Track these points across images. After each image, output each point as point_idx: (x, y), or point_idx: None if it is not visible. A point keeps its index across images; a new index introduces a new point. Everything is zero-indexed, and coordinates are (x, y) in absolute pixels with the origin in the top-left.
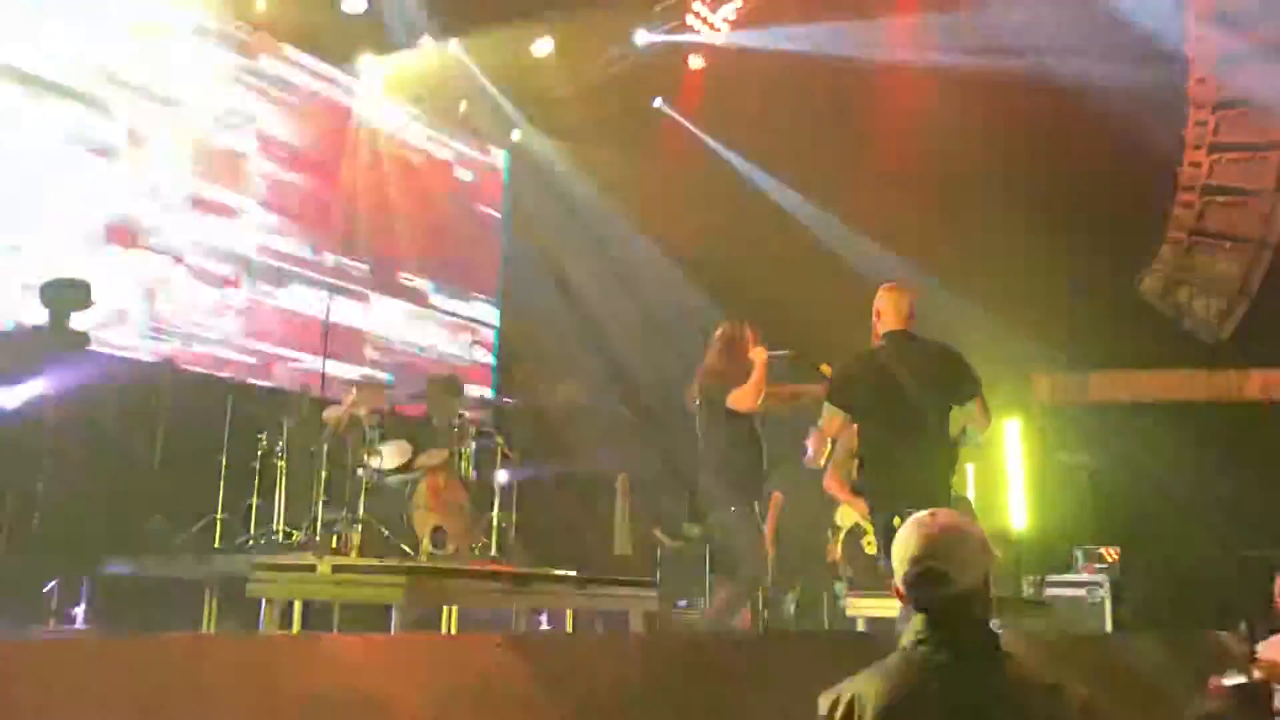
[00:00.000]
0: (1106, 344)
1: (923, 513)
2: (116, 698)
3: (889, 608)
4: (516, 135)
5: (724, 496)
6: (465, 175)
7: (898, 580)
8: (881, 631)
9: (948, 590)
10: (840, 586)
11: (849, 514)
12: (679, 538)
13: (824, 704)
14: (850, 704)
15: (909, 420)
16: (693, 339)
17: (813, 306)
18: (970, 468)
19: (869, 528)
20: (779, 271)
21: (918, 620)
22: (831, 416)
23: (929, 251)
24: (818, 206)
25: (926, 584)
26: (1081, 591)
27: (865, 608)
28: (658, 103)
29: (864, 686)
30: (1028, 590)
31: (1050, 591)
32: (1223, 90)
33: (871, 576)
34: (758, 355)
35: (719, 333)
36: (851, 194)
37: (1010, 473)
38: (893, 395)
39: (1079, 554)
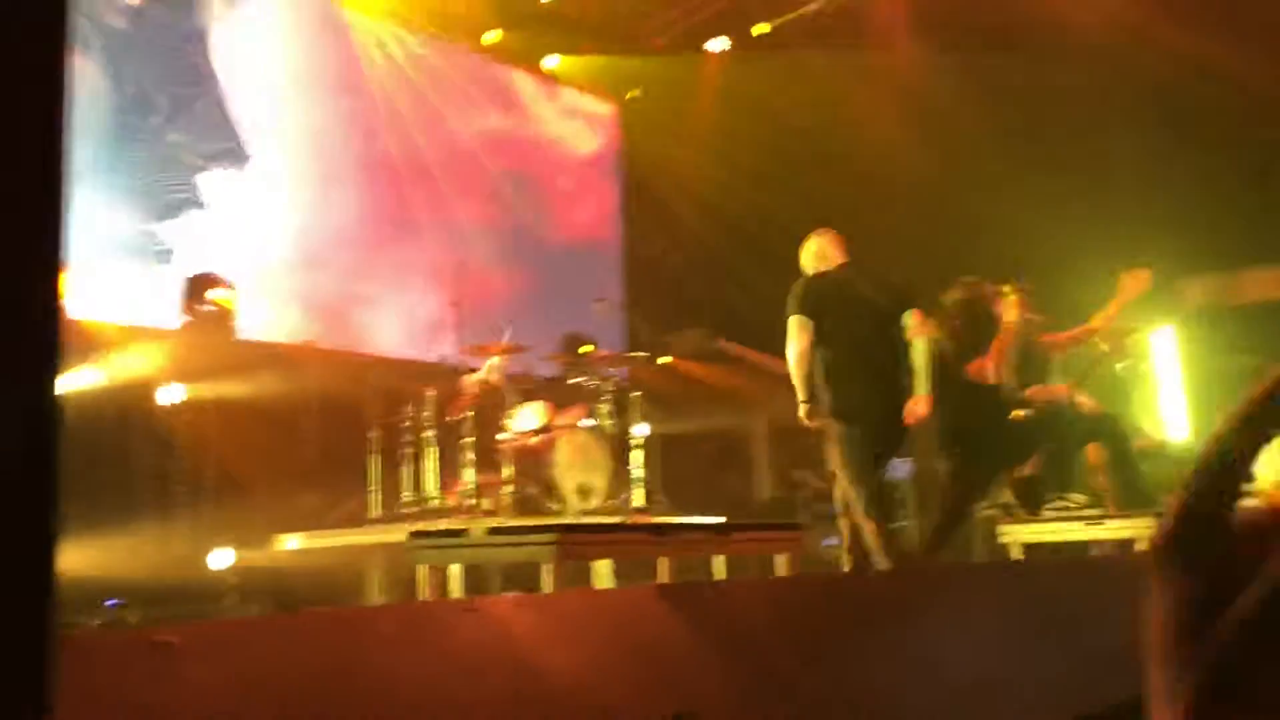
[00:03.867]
0: (1257, 241)
1: None
2: (287, 675)
3: (1046, 533)
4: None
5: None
6: (579, 127)
7: None
8: (1034, 559)
9: None
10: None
11: None
12: (823, 478)
13: None
14: None
15: (878, 337)
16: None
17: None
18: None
19: None
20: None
21: None
22: (792, 334)
23: (1065, 160)
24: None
25: None
26: (1251, 500)
27: (1020, 534)
28: None
29: None
30: None
31: None
32: None
33: (1028, 502)
34: (1004, 315)
35: (954, 291)
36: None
37: (1164, 383)
38: (858, 310)
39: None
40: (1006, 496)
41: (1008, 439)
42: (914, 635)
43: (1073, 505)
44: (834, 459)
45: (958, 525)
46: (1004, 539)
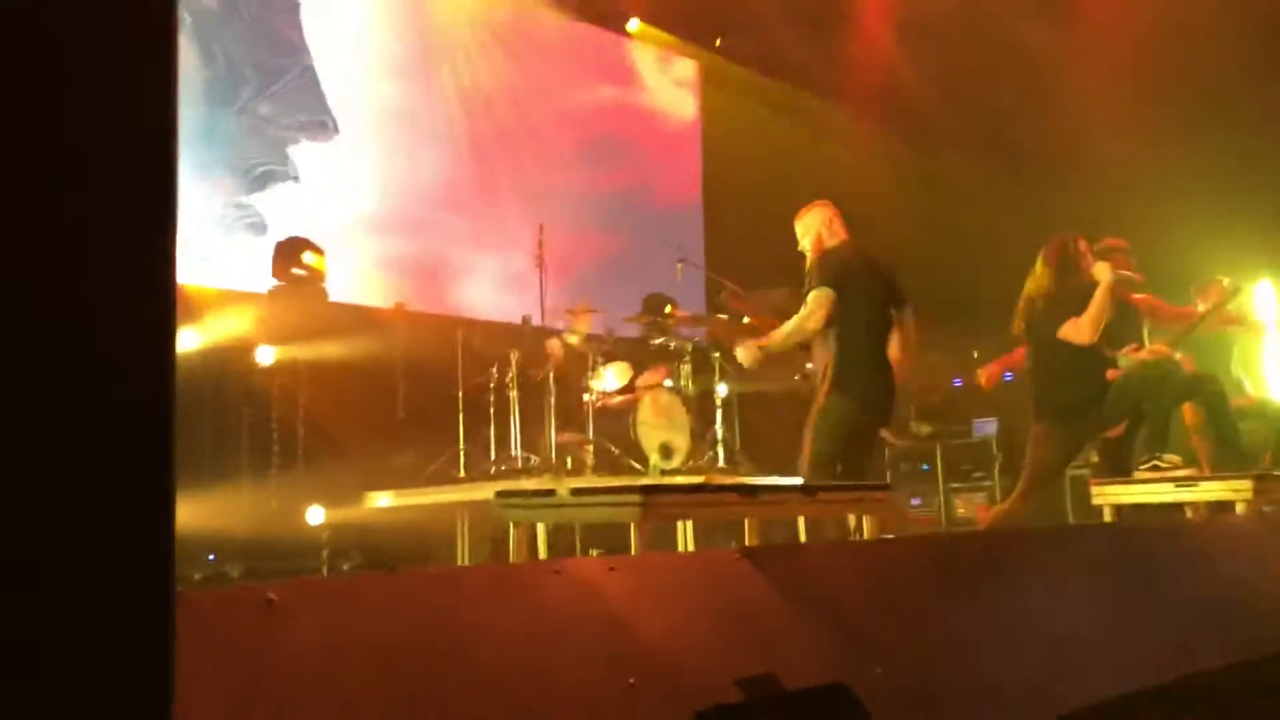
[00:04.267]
0: None
1: None
2: (381, 633)
3: (1139, 494)
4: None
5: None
6: (662, 88)
7: None
8: (1129, 521)
9: None
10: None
11: None
12: (907, 437)
13: None
14: None
15: (883, 318)
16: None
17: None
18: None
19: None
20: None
21: None
22: (820, 306)
23: (1157, 111)
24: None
25: None
26: None
27: (1112, 495)
28: None
29: None
30: None
31: None
32: None
33: (1120, 463)
34: (1101, 274)
35: (1048, 247)
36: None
37: (1266, 339)
38: (874, 291)
39: None
40: (1095, 458)
41: (1101, 401)
42: (1006, 598)
43: (1165, 466)
44: (817, 429)
45: (1045, 487)
46: (1096, 500)
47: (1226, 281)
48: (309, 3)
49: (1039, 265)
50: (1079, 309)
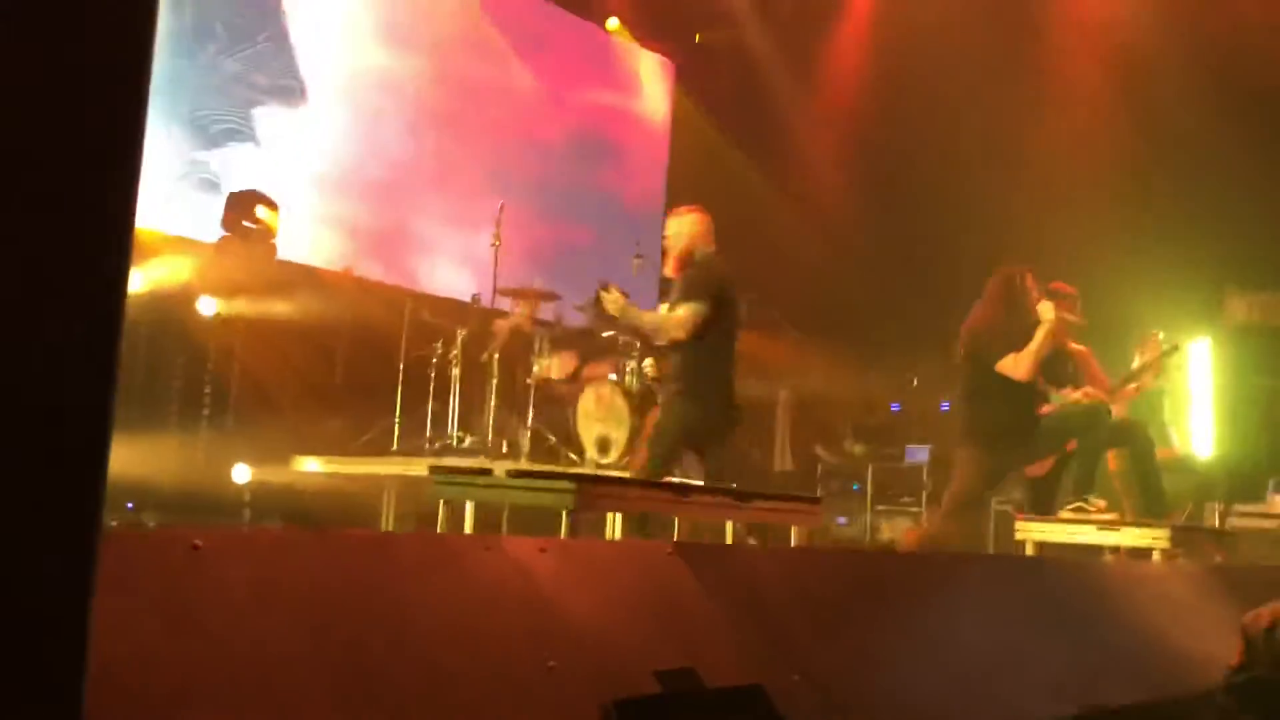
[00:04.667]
0: None
1: None
2: (308, 589)
3: (1061, 533)
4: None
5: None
6: (636, 85)
7: None
8: (1050, 557)
9: None
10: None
11: None
12: (841, 454)
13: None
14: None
15: (736, 330)
16: (871, 252)
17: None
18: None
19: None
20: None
21: None
22: (692, 320)
23: (1109, 166)
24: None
25: None
26: (1272, 524)
27: (1036, 532)
28: None
29: None
30: (1214, 520)
31: (1237, 523)
32: None
33: (1043, 501)
34: (1044, 312)
35: (995, 279)
36: (1030, 109)
37: (1196, 397)
38: (736, 306)
39: (1271, 483)
40: (1019, 493)
41: (1031, 433)
42: (924, 618)
43: (1090, 509)
44: (662, 432)
45: (967, 511)
46: (1019, 536)
47: (1163, 337)
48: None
49: (985, 295)
50: (1019, 343)
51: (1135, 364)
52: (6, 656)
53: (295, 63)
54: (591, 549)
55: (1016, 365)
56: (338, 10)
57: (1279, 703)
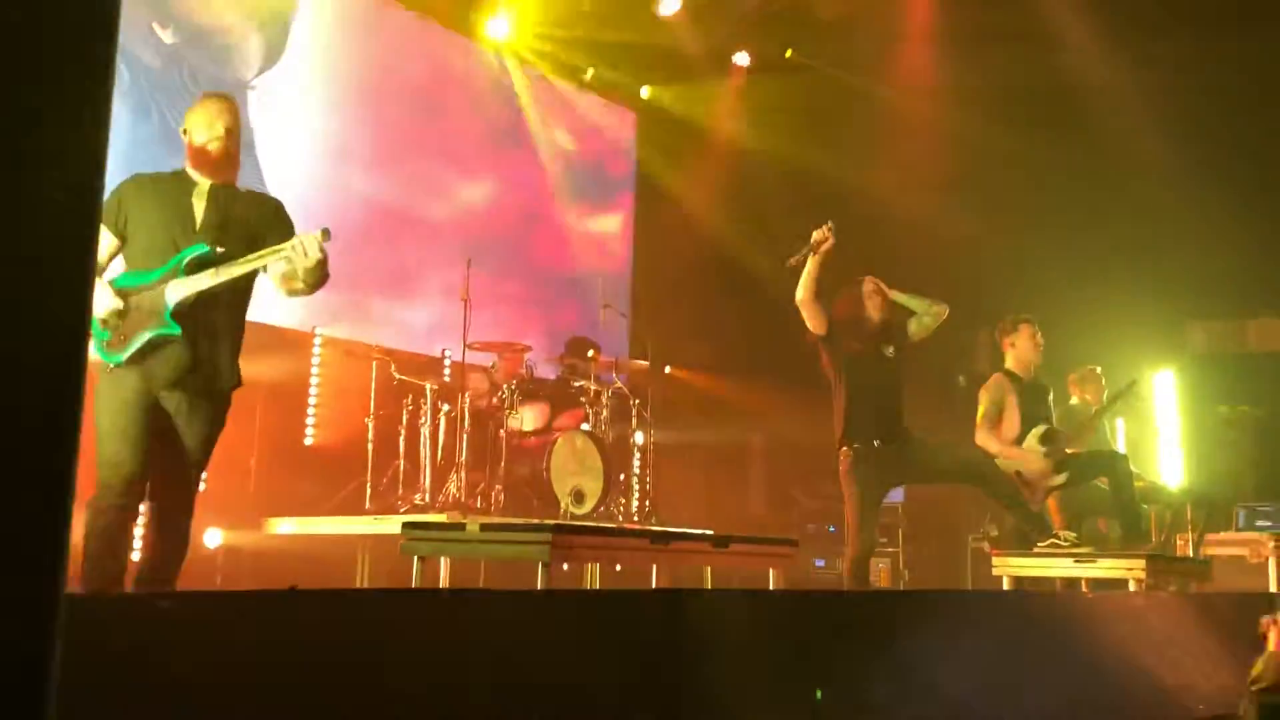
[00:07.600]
0: (1266, 289)
1: None
2: (278, 650)
3: (1038, 567)
4: (645, 93)
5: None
6: (599, 134)
7: None
8: (1027, 591)
9: None
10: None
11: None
12: (817, 497)
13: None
14: None
15: None
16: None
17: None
18: (1121, 423)
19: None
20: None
21: None
22: None
23: (1072, 195)
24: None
25: None
26: (1242, 551)
27: (1013, 567)
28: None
29: None
30: (1187, 549)
31: (1208, 551)
32: None
33: (1020, 537)
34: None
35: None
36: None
37: (1163, 427)
38: None
39: (1241, 513)
40: (995, 529)
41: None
42: (904, 655)
43: (1064, 542)
44: None
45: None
46: (997, 571)
47: (1099, 370)
48: (259, 86)
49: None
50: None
51: (1105, 397)
52: None
53: (260, 176)
54: (569, 599)
55: (987, 441)
56: (304, 126)
57: None
